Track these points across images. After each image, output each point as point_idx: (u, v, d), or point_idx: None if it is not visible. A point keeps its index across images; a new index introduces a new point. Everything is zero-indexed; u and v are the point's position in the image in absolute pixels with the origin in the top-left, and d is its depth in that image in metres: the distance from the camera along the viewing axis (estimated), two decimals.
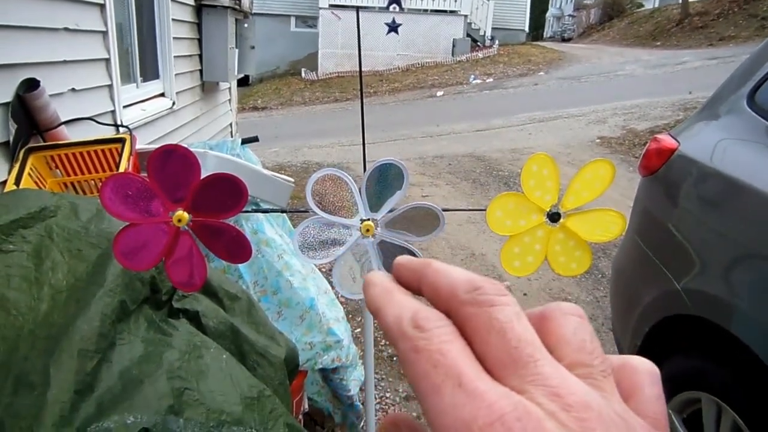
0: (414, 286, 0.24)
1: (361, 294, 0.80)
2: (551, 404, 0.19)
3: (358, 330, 2.82)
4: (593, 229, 0.80)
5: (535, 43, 20.73)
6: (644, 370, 0.24)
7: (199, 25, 4.18)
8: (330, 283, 2.24)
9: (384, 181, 0.75)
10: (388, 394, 2.49)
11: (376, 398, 2.43)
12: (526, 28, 20.20)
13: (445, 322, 0.22)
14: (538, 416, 0.19)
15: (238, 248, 0.74)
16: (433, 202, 0.79)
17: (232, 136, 5.27)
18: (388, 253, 0.79)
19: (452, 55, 16.10)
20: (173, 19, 3.64)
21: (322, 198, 0.75)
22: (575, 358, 0.22)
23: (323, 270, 2.53)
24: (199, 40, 4.22)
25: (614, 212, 0.80)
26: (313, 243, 0.79)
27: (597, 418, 0.19)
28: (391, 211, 0.77)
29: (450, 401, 0.19)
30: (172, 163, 0.67)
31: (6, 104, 1.84)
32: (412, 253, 0.80)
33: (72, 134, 2.07)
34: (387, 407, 2.41)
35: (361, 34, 0.89)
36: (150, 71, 3.53)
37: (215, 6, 4.11)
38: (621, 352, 1.96)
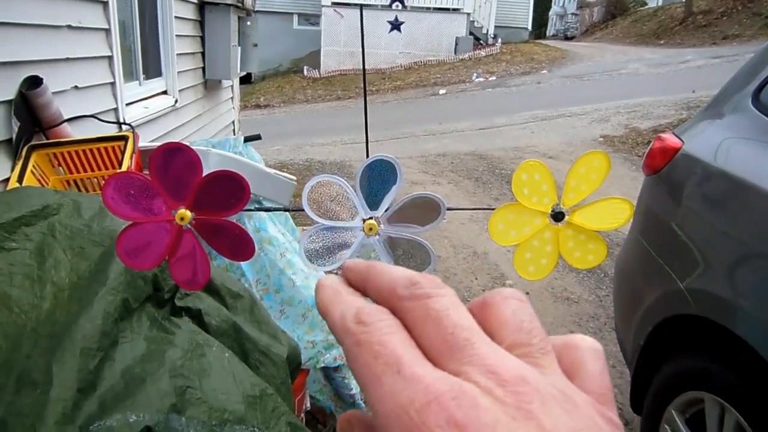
0: (360, 287, 0.25)
1: None
2: (487, 381, 0.20)
3: None
4: (601, 219, 0.79)
5: (538, 41, 20.67)
6: (586, 347, 0.24)
7: (201, 23, 4.17)
8: None
9: (378, 178, 0.75)
10: None
11: None
12: (529, 27, 20.15)
13: (387, 316, 0.22)
14: (473, 394, 0.19)
15: (240, 246, 0.74)
16: None
17: (234, 134, 5.27)
18: (397, 248, 0.79)
19: (455, 53, 16.08)
20: (176, 17, 3.64)
21: (320, 205, 0.75)
22: (514, 339, 0.22)
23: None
24: (202, 38, 4.22)
25: (619, 199, 0.79)
26: (320, 251, 0.79)
27: (534, 391, 0.19)
28: (390, 207, 0.77)
29: (389, 389, 0.20)
30: (175, 161, 0.66)
31: (9, 102, 1.84)
32: (421, 245, 0.80)
33: (75, 132, 2.07)
34: None
35: (364, 31, 0.89)
36: (152, 69, 3.53)
37: (218, 4, 4.10)
38: (624, 351, 1.95)
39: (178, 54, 3.70)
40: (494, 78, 14.02)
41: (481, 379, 0.20)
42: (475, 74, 14.31)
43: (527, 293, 3.47)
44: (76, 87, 2.30)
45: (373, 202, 0.77)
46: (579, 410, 0.20)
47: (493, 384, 0.19)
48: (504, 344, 0.22)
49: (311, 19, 17.75)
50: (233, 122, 5.38)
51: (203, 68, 4.28)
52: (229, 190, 0.69)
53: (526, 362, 0.21)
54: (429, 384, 0.19)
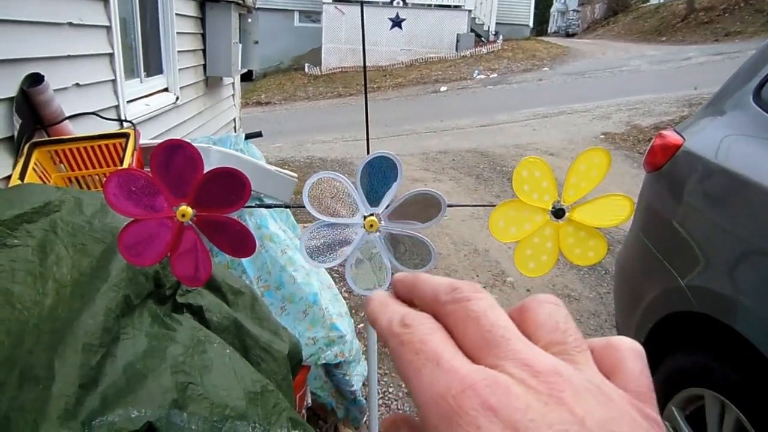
0: (407, 298, 0.27)
1: (376, 289, 0.80)
2: (522, 373, 0.21)
3: (361, 325, 2.83)
4: (602, 216, 0.79)
5: (539, 38, 20.63)
6: (626, 347, 0.25)
7: (202, 20, 4.17)
8: (333, 278, 2.24)
9: (378, 175, 0.75)
10: (391, 389, 2.50)
11: (378, 393, 2.44)
12: (531, 23, 20.10)
13: (429, 319, 0.24)
14: (507, 383, 0.20)
15: (241, 243, 0.74)
16: None
17: (235, 131, 5.27)
18: (398, 244, 0.79)
19: (456, 50, 16.05)
20: (177, 14, 3.63)
21: (321, 202, 0.75)
22: (550, 338, 0.24)
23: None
24: (203, 35, 4.22)
25: (619, 196, 0.80)
26: (321, 247, 0.80)
27: (566, 382, 0.20)
28: (390, 203, 0.77)
29: (429, 380, 0.21)
30: (176, 158, 0.67)
31: (10, 99, 1.84)
32: (422, 242, 0.80)
33: (76, 129, 2.07)
34: (390, 402, 2.42)
35: (365, 28, 0.89)
36: (153, 66, 3.53)
37: (219, 1, 4.10)
38: None
39: (179, 51, 3.69)
40: (495, 75, 14.00)
41: (516, 371, 0.21)
42: (476, 71, 14.28)
43: (528, 290, 3.47)
44: (77, 84, 2.30)
45: (373, 199, 0.78)
46: (613, 403, 0.21)
47: (527, 375, 0.21)
48: (540, 344, 0.23)
49: (312, 16, 17.72)
50: (234, 119, 5.38)
51: (204, 65, 4.28)
52: (230, 186, 0.69)
53: (562, 359, 0.22)
54: (465, 374, 0.21)
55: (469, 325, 0.23)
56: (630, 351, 0.25)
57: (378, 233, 0.78)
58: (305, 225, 2.74)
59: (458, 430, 0.19)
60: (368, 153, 0.79)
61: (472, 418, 0.19)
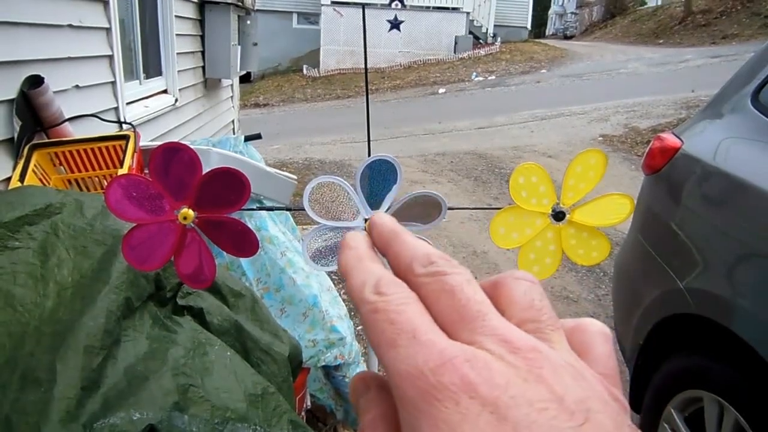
0: (382, 250, 0.26)
1: None
2: (499, 348, 0.20)
3: (361, 327, 2.83)
4: (603, 215, 0.80)
5: (537, 40, 20.69)
6: (595, 330, 0.25)
7: (201, 22, 4.18)
8: (333, 280, 2.24)
9: (378, 177, 0.75)
10: None
11: None
12: (529, 26, 20.15)
13: (404, 288, 0.23)
14: (487, 358, 0.20)
15: (244, 242, 0.74)
16: None
17: (234, 133, 5.27)
18: None
19: (454, 52, 16.08)
20: (176, 16, 3.64)
21: (321, 206, 0.76)
22: (524, 315, 0.23)
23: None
24: (202, 37, 4.22)
25: (619, 195, 0.80)
26: (323, 251, 0.80)
27: (545, 359, 0.20)
28: (390, 206, 0.77)
29: (405, 351, 0.20)
30: (174, 161, 0.67)
31: (10, 101, 1.84)
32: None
33: (76, 131, 2.07)
34: None
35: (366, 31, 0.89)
36: (153, 68, 3.53)
37: (218, 2, 4.11)
38: (623, 350, 1.96)
39: (178, 53, 3.70)
40: (494, 77, 14.02)
41: (494, 346, 0.20)
42: (474, 73, 14.31)
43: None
44: (77, 86, 2.30)
45: (374, 202, 0.78)
46: (587, 382, 0.21)
47: (504, 351, 0.20)
48: (514, 320, 0.23)
49: (311, 18, 17.75)
50: (233, 121, 5.39)
51: (203, 67, 4.28)
52: (229, 185, 0.69)
53: (536, 337, 0.22)
54: (443, 348, 0.20)
55: (444, 297, 0.22)
56: (599, 334, 0.25)
57: None
58: (304, 227, 2.75)
59: (437, 405, 0.19)
60: (369, 155, 0.79)
61: (451, 393, 0.19)
